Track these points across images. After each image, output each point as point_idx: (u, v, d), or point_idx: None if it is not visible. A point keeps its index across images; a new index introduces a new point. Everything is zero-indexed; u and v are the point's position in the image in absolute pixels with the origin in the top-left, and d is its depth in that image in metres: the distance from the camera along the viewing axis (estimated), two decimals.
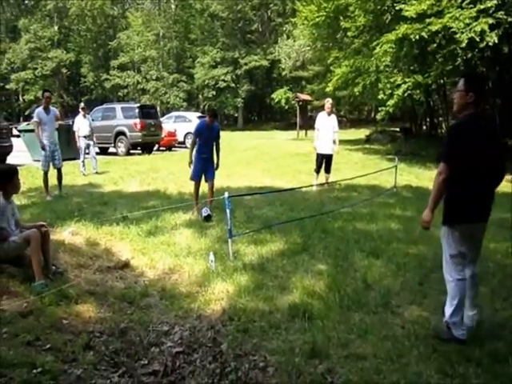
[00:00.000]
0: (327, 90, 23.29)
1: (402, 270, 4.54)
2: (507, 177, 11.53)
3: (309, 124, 23.63)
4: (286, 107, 36.76)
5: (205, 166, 6.92)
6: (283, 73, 37.37)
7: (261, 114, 49.46)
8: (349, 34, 19.20)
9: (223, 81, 38.88)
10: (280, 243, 5.40)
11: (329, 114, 9.01)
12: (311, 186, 8.61)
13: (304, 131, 25.04)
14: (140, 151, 17.56)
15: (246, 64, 38.95)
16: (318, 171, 9.02)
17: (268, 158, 14.79)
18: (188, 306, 3.81)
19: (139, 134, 16.75)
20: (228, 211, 4.92)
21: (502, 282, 4.29)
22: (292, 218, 6.40)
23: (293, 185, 8.83)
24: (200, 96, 44.71)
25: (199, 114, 25.19)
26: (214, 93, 39.58)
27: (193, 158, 6.99)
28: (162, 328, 3.46)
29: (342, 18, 19.20)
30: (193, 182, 7.00)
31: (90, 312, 3.63)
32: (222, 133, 7.18)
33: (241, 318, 3.58)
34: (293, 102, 30.64)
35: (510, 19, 12.51)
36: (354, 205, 7.33)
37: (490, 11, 12.23)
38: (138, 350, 3.11)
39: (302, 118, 26.20)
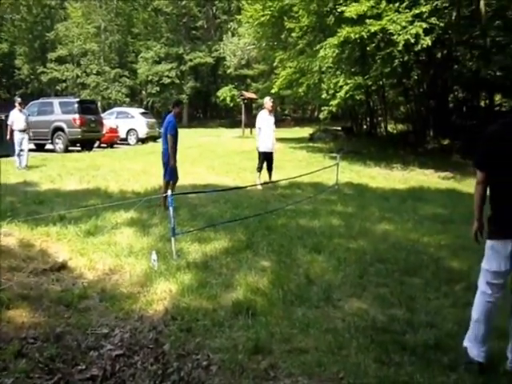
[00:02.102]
0: (273, 91, 23.57)
1: (343, 265, 4.67)
2: (439, 173, 12.34)
3: (254, 122, 23.82)
4: (232, 105, 36.73)
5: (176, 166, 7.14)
6: (228, 70, 37.33)
7: (206, 111, 49.07)
8: (293, 34, 19.52)
9: (167, 77, 38.23)
10: (224, 241, 5.39)
11: (269, 113, 9.08)
12: (255, 185, 8.65)
13: (249, 129, 25.16)
14: (79, 148, 16.85)
15: (190, 60, 38.52)
16: (260, 170, 9.07)
17: (213, 155, 14.73)
18: (129, 308, 3.70)
19: (78, 130, 16.09)
20: (171, 209, 4.84)
21: (434, 273, 4.53)
22: (236, 215, 6.41)
23: (238, 183, 8.86)
24: (143, 92, 43.65)
25: (142, 110, 24.60)
26: (158, 89, 38.83)
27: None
28: (101, 331, 3.33)
29: (286, 18, 19.47)
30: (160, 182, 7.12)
31: (23, 317, 3.43)
32: None
33: (184, 317, 3.53)
34: (238, 100, 30.69)
35: (441, 25, 13.31)
36: (298, 202, 7.47)
37: (424, 16, 12.93)
38: (75, 354, 2.98)
39: (247, 116, 26.30)
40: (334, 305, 3.81)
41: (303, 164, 12.61)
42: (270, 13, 21.04)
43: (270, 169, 9.15)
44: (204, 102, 46.64)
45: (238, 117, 34.58)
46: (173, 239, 4.84)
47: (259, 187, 8.75)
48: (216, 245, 5.26)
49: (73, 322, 3.43)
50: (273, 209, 6.91)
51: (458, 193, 9.29)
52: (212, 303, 3.78)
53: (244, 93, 28.86)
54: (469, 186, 10.38)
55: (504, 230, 2.84)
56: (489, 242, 2.92)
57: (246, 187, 8.09)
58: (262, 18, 21.68)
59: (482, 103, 18.34)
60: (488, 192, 2.96)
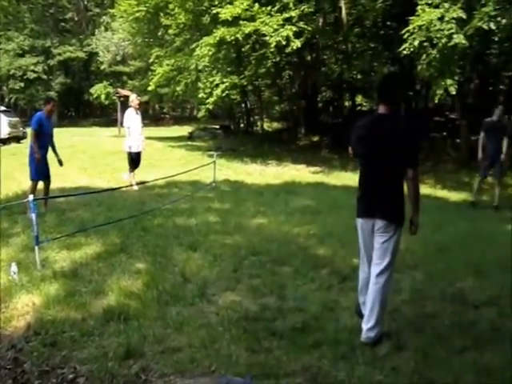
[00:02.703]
0: (149, 88, 22.97)
1: (218, 260, 4.76)
2: (310, 168, 13.23)
3: None
4: (107, 103, 34.99)
5: (45, 164, 6.68)
6: (102, 67, 35.46)
7: (79, 109, 45.89)
8: (170, 31, 19.26)
9: (33, 71, 35.00)
10: (96, 246, 5.13)
11: (137, 111, 8.85)
12: (130, 185, 8.36)
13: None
14: None
15: (59, 54, 35.75)
16: (133, 170, 8.78)
17: (85, 156, 13.89)
18: None
19: None
20: (34, 216, 4.46)
21: (303, 261, 4.84)
22: (110, 218, 6.13)
23: (112, 184, 8.49)
24: (5, 88, 39.31)
25: (3, 108, 22.18)
26: (22, 84, 35.34)
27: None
28: None
29: (162, 14, 19.12)
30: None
31: None
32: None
33: (48, 330, 3.28)
34: (113, 97, 29.35)
35: (309, 29, 14.27)
36: (175, 201, 7.41)
37: (294, 20, 13.76)
38: None
39: (123, 115, 25.26)
40: (209, 300, 3.87)
41: (181, 163, 12.55)
42: (145, 8, 20.47)
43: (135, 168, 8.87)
44: (76, 100, 43.50)
45: (114, 115, 33.09)
46: (36, 248, 4.45)
47: (135, 188, 8.49)
48: (87, 250, 4.98)
49: None
50: (149, 209, 6.75)
51: (325, 185, 10.05)
52: (81, 312, 3.57)
53: (120, 90, 27.67)
54: (335, 178, 11.36)
55: (367, 210, 3.23)
56: (357, 220, 3.32)
57: (120, 188, 7.77)
58: (137, 14, 21.01)
59: (347, 103, 20.11)
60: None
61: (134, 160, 8.73)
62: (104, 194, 7.42)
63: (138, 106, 8.82)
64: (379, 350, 3.11)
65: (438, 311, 3.78)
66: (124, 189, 7.93)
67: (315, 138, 17.67)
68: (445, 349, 3.14)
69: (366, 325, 3.20)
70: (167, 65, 20.71)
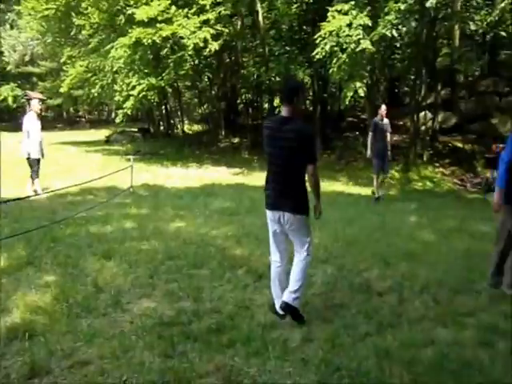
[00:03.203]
0: (62, 90, 21.83)
1: (134, 267, 4.66)
2: (230, 170, 13.33)
3: (42, 125, 21.63)
4: (15, 106, 32.59)
5: None
6: (8, 67, 32.99)
7: None
8: (84, 31, 18.45)
9: None
10: None
11: (38, 116, 8.40)
12: (37, 194, 7.88)
13: None
14: None
15: None
16: (37, 176, 8.29)
17: None
18: None
19: None
20: None
21: (220, 262, 4.88)
22: (16, 230, 5.74)
23: (20, 194, 7.92)
24: None
25: None
26: None
27: None
28: None
29: (74, 13, 18.24)
30: None
31: None
32: None
33: None
34: (22, 100, 27.44)
35: (227, 31, 14.42)
36: (90, 209, 7.11)
37: (211, 22, 13.81)
38: None
39: None
40: (123, 309, 3.78)
41: (98, 168, 12.05)
42: (55, 7, 19.37)
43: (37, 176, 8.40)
44: None
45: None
46: None
47: (43, 196, 8.01)
48: None
49: None
50: (60, 218, 6.42)
51: (245, 186, 10.21)
52: None
53: (29, 93, 25.61)
54: (254, 179, 11.55)
55: (274, 203, 3.52)
56: (266, 212, 3.60)
57: (28, 197, 7.30)
58: (46, 12, 19.82)
59: (266, 105, 20.53)
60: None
61: (35, 167, 8.25)
62: (10, 204, 6.91)
63: (39, 111, 8.36)
64: (290, 343, 3.25)
65: (346, 301, 4.01)
66: (32, 198, 7.47)
67: (235, 140, 17.88)
68: (350, 336, 3.35)
69: (287, 296, 3.49)
70: (81, 66, 19.83)
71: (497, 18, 11.46)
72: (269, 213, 3.57)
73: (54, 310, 3.67)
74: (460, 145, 14.31)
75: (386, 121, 9.10)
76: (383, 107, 9.13)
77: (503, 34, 12.05)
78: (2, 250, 5.05)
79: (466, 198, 10.24)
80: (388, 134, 9.08)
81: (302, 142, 3.40)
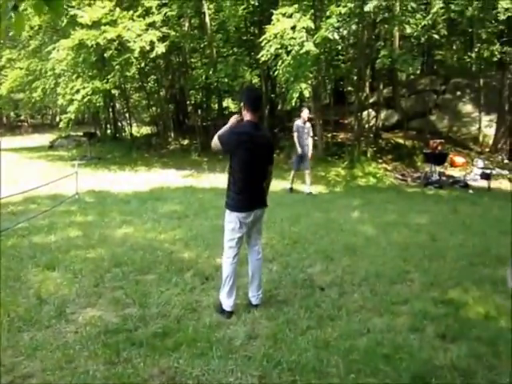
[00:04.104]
0: (0, 92, 20.93)
1: (79, 277, 4.60)
2: (179, 172, 13.28)
3: None
4: None
5: None
6: None
7: None
8: (24, 33, 17.71)
9: None
10: None
11: None
12: None
13: None
14: None
15: None
16: None
17: None
18: None
19: None
20: None
21: (167, 266, 4.92)
22: None
23: None
24: None
25: None
26: None
27: None
28: None
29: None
30: None
31: None
32: None
33: None
34: None
35: (173, 33, 14.32)
36: (32, 218, 6.90)
37: (157, 25, 13.68)
38: None
39: None
40: (67, 319, 3.74)
41: (42, 175, 11.64)
42: None
43: None
44: None
45: None
46: None
47: None
48: None
49: None
50: (1, 229, 6.20)
51: (194, 189, 10.21)
52: None
53: None
54: (204, 181, 11.61)
55: (249, 204, 3.77)
56: (234, 215, 3.74)
57: None
58: None
59: (216, 106, 20.54)
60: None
61: None
62: None
63: None
64: (234, 341, 3.36)
65: (289, 297, 4.18)
66: None
67: (185, 142, 17.78)
68: (292, 331, 3.51)
69: (255, 292, 3.95)
70: (21, 68, 19.08)
71: (430, 23, 12.08)
72: (243, 214, 3.73)
73: None
74: (401, 141, 14.98)
75: (307, 125, 9.75)
76: (305, 111, 9.77)
77: (436, 36, 12.71)
78: None
79: (406, 192, 10.76)
80: (310, 137, 9.76)
81: (270, 147, 3.93)
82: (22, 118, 34.65)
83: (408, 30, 13.42)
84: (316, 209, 8.11)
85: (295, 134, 9.61)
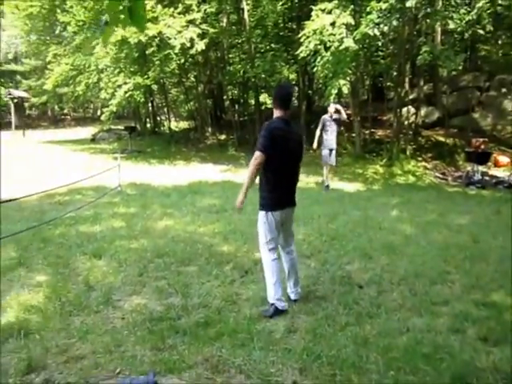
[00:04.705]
0: (46, 87, 21.74)
1: (124, 266, 4.81)
2: (217, 167, 13.48)
3: (27, 123, 21.47)
4: None
5: None
6: None
7: None
8: (69, 28, 18.38)
9: None
10: None
11: None
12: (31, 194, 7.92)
13: (22, 131, 22.61)
14: None
15: None
16: None
17: None
18: None
19: None
20: None
21: (207, 259, 5.05)
22: (6, 232, 5.81)
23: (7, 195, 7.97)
24: None
25: None
26: None
27: None
28: None
29: (59, 11, 18.13)
30: None
31: None
32: None
33: None
34: (6, 99, 27.19)
35: (213, 30, 14.50)
36: (78, 209, 7.21)
37: (197, 22, 13.89)
38: None
39: (18, 118, 23.56)
40: (114, 306, 3.93)
41: (85, 167, 12.09)
42: (40, 4, 19.21)
43: None
44: None
45: (8, 118, 30.66)
46: None
47: None
48: None
49: None
50: (49, 219, 6.52)
51: (232, 183, 10.34)
52: None
53: (13, 91, 25.72)
54: (241, 176, 11.70)
55: (284, 202, 3.80)
56: (270, 214, 3.73)
57: (16, 199, 7.35)
58: (31, 9, 19.66)
59: (253, 101, 20.64)
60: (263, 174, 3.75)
61: None
62: None
63: None
64: (274, 334, 3.44)
65: (327, 294, 4.21)
66: (22, 199, 7.52)
67: (222, 137, 17.97)
68: (331, 326, 3.55)
69: (294, 287, 3.99)
70: (66, 64, 19.77)
71: (475, 17, 11.69)
72: (277, 213, 3.73)
73: (47, 309, 3.81)
74: (442, 139, 14.61)
75: (335, 116, 9.92)
76: (332, 106, 9.98)
77: (481, 32, 12.29)
78: None
79: (446, 192, 10.52)
80: (335, 131, 9.92)
81: (300, 144, 3.89)
82: (66, 111, 35.90)
83: (451, 26, 13.03)
84: (353, 206, 8.07)
85: (319, 127, 9.78)
